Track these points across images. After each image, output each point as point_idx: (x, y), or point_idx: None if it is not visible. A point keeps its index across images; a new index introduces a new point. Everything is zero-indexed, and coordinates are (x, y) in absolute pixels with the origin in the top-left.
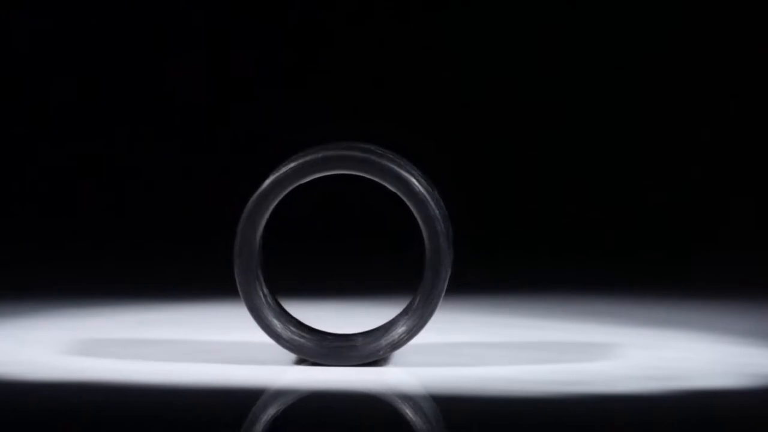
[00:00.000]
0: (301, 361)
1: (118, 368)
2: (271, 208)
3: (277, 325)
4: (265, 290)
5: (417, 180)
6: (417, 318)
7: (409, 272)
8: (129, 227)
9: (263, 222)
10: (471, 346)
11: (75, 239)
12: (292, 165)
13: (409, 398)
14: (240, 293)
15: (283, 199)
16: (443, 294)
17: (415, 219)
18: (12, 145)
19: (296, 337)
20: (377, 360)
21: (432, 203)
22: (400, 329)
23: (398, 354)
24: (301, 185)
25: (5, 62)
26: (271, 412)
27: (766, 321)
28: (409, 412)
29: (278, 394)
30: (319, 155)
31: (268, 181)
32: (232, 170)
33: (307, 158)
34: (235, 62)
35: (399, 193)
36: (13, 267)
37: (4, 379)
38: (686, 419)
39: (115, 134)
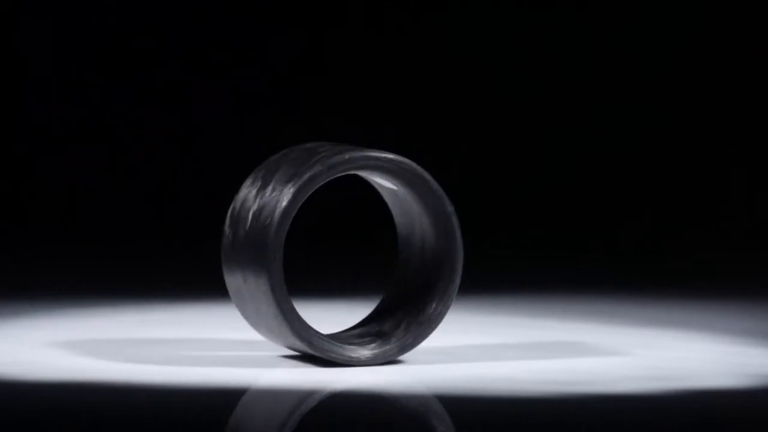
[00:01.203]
0: (296, 359)
1: (118, 368)
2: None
3: (311, 330)
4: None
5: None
6: (437, 314)
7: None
8: (129, 227)
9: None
10: (472, 347)
11: (75, 239)
12: (318, 167)
13: (415, 398)
14: (273, 299)
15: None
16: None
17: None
18: (11, 145)
19: (326, 343)
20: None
21: (448, 199)
22: (418, 325)
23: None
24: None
25: (4, 62)
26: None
27: (766, 321)
28: (419, 413)
29: (278, 394)
30: (345, 156)
31: (296, 187)
32: (232, 169)
33: (333, 159)
34: (237, 61)
35: (412, 190)
36: (13, 267)
37: (4, 379)
38: (686, 419)
39: (114, 134)
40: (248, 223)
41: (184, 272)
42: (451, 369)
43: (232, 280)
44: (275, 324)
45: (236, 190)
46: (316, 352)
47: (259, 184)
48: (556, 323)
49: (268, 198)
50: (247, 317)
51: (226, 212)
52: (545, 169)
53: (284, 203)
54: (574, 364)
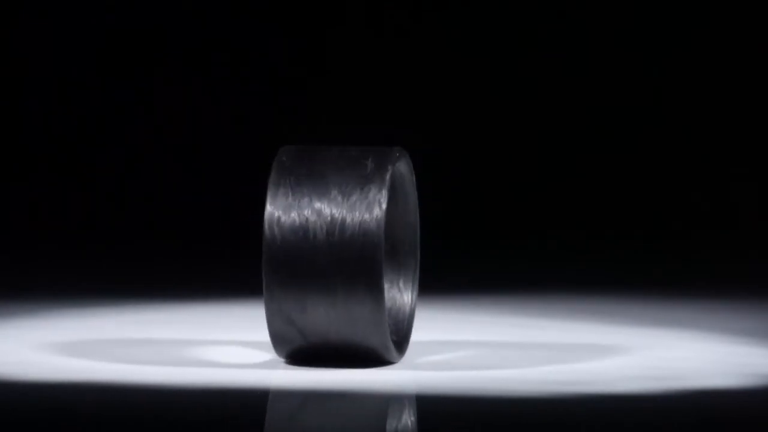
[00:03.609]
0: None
1: (118, 368)
2: None
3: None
4: None
5: None
6: (411, 300)
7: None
8: (129, 227)
9: None
10: (471, 346)
11: (74, 240)
12: (391, 169)
13: (411, 399)
14: (380, 302)
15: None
16: None
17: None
18: (10, 146)
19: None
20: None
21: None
22: (408, 315)
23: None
24: None
25: (4, 62)
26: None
27: (766, 321)
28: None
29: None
30: (396, 154)
31: (385, 189)
32: (232, 169)
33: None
34: (237, 61)
35: (405, 188)
36: (13, 267)
37: (4, 379)
38: (686, 419)
39: (114, 134)
40: (325, 230)
41: (184, 272)
42: (452, 369)
43: (296, 282)
44: (371, 328)
45: (236, 189)
46: (389, 355)
47: (304, 190)
48: (556, 323)
49: (347, 203)
50: (289, 323)
51: (227, 211)
52: (545, 169)
53: (381, 209)
54: (573, 364)
